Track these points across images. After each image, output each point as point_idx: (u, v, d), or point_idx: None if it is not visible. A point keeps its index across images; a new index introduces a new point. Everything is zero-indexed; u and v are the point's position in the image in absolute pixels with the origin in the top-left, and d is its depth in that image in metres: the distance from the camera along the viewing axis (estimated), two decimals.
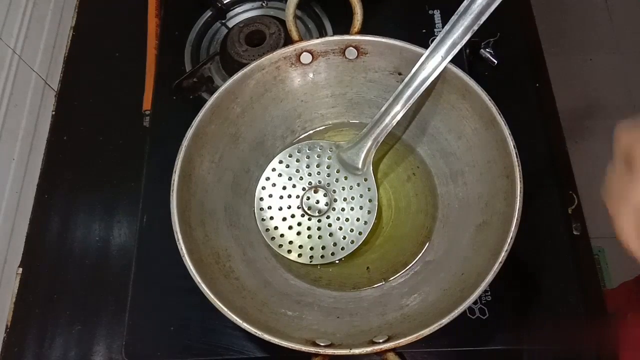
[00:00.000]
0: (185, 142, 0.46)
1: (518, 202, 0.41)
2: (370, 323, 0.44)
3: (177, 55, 0.64)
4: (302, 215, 0.51)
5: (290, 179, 0.52)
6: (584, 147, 1.23)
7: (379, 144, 0.49)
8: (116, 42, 0.71)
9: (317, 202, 0.51)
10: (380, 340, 0.38)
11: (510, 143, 0.42)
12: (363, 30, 0.49)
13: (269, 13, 0.66)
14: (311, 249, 0.50)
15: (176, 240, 0.42)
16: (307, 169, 0.52)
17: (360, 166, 0.49)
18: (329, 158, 0.52)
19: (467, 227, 0.47)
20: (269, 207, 0.51)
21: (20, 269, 0.59)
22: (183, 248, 0.42)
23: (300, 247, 0.50)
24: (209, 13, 0.67)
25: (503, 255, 0.39)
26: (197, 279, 0.41)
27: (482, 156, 0.47)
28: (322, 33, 0.64)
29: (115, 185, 0.62)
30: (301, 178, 0.52)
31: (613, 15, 1.42)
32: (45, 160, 0.65)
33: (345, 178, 0.51)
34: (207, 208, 0.48)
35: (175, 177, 0.45)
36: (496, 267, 0.39)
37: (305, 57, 0.50)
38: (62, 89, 0.69)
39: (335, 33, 0.63)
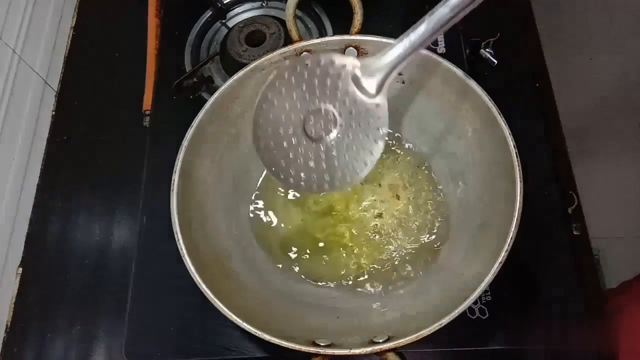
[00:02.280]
0: (185, 142, 0.46)
1: (518, 202, 0.41)
2: (370, 323, 0.44)
3: (177, 55, 0.64)
4: (305, 142, 0.44)
5: (293, 97, 0.44)
6: (584, 147, 1.23)
7: (399, 69, 0.42)
8: (116, 42, 0.71)
9: (321, 125, 0.44)
10: (380, 340, 0.39)
11: (511, 143, 0.42)
12: (363, 30, 0.49)
13: (269, 13, 0.66)
14: (313, 178, 0.44)
15: (176, 240, 0.42)
16: (313, 88, 0.44)
17: (374, 91, 0.42)
18: (339, 76, 0.43)
19: (467, 227, 0.48)
20: (268, 132, 0.45)
21: (20, 269, 0.59)
22: (183, 248, 0.42)
23: (302, 176, 0.44)
24: (209, 13, 0.67)
25: (503, 255, 0.39)
26: (197, 279, 0.41)
27: (482, 156, 0.47)
28: (322, 33, 0.64)
29: (115, 185, 0.62)
30: (305, 98, 0.44)
31: (613, 15, 1.42)
32: (45, 160, 0.65)
33: (355, 102, 0.43)
34: (207, 208, 0.48)
35: (175, 177, 0.45)
36: (496, 267, 0.39)
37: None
38: (62, 89, 0.69)
39: (335, 33, 0.63)
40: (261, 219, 0.53)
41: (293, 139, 0.45)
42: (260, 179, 0.52)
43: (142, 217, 0.55)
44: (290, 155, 0.45)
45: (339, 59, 0.43)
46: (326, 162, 0.44)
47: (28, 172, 0.62)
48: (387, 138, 0.42)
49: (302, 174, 0.44)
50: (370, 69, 0.42)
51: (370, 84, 0.43)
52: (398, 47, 0.40)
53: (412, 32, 0.39)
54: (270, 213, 0.53)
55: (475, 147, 0.48)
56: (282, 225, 0.53)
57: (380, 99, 0.43)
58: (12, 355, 0.55)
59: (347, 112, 0.44)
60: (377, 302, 0.48)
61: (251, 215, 0.53)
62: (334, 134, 0.44)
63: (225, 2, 0.67)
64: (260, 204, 0.54)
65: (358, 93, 0.43)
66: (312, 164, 0.44)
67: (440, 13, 0.38)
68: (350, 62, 0.43)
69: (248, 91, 0.50)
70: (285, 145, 0.45)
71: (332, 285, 0.50)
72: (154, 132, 0.60)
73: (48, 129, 0.66)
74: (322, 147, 0.44)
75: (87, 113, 0.67)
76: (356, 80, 0.43)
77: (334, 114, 0.44)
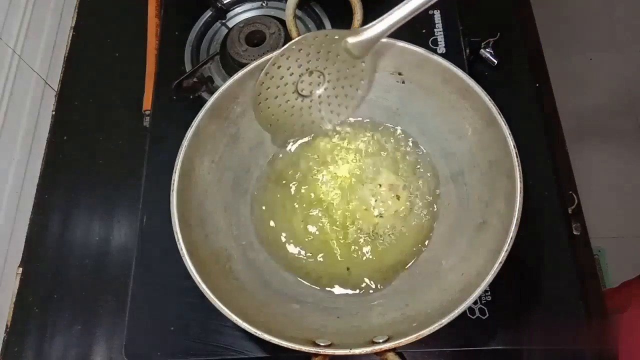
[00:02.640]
0: (185, 142, 0.46)
1: (518, 202, 0.41)
2: (370, 323, 0.44)
3: (177, 55, 0.64)
4: (296, 98, 0.50)
5: (289, 68, 0.48)
6: (584, 147, 1.23)
7: (385, 34, 0.46)
8: (116, 42, 0.71)
9: (311, 83, 0.50)
10: (380, 340, 0.39)
11: (511, 143, 0.42)
12: None
13: (269, 13, 0.66)
14: (301, 125, 0.52)
15: (176, 240, 0.42)
16: (307, 57, 0.48)
17: (361, 53, 0.48)
18: (331, 43, 0.48)
19: (467, 227, 0.48)
20: (266, 99, 0.49)
21: (20, 269, 0.59)
22: (183, 248, 0.42)
23: (293, 126, 0.52)
24: (209, 13, 0.67)
25: (503, 255, 0.39)
26: (197, 279, 0.41)
27: (482, 156, 0.47)
28: None
29: (115, 185, 0.62)
30: (300, 66, 0.49)
31: (613, 15, 1.42)
32: (45, 160, 0.65)
33: (344, 61, 0.49)
34: (207, 208, 0.48)
35: (175, 177, 0.45)
36: (496, 267, 0.39)
37: None
38: (62, 89, 0.69)
39: None
40: (261, 218, 0.53)
41: (287, 101, 0.50)
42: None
43: (142, 217, 0.55)
44: (284, 112, 0.51)
45: (332, 32, 0.48)
46: (314, 111, 0.52)
47: (28, 172, 0.62)
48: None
49: (293, 125, 0.52)
50: (361, 35, 0.46)
51: (359, 47, 0.47)
52: (390, 17, 0.44)
53: (404, 4, 0.43)
54: (269, 213, 0.53)
55: (475, 147, 0.48)
56: (281, 225, 0.53)
57: (367, 59, 0.48)
58: (12, 355, 0.55)
59: (335, 70, 0.49)
60: (377, 302, 0.48)
61: (251, 215, 0.53)
62: (321, 89, 0.50)
63: (225, 2, 0.67)
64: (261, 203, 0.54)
65: (347, 54, 0.48)
66: (302, 115, 0.52)
67: None
68: (341, 32, 0.47)
69: (248, 91, 0.50)
70: (280, 106, 0.50)
71: (331, 285, 0.50)
72: (154, 132, 0.60)
73: (48, 129, 0.66)
74: (310, 100, 0.51)
75: (87, 113, 0.67)
76: (346, 45, 0.48)
77: (322, 73, 0.49)
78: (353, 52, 0.48)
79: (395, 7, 0.44)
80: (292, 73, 0.49)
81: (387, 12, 0.44)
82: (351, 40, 0.47)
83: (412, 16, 0.44)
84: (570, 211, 0.55)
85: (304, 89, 0.50)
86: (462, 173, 0.50)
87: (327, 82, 0.50)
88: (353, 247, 0.51)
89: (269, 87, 0.49)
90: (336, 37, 0.47)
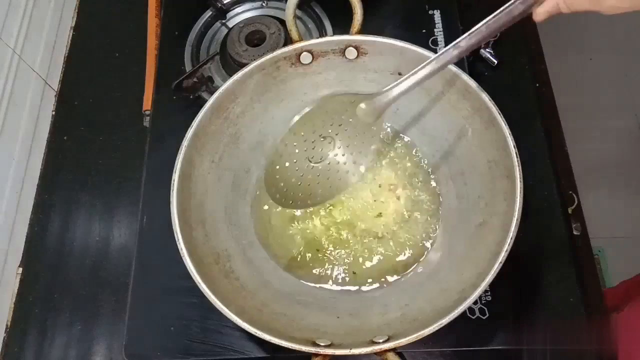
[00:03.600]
0: (185, 142, 0.46)
1: (518, 202, 0.41)
2: (370, 323, 0.44)
3: (177, 55, 0.64)
4: (307, 166, 0.50)
5: (303, 134, 0.50)
6: (584, 147, 1.23)
7: (395, 100, 0.46)
8: (116, 42, 0.71)
9: (322, 149, 0.50)
10: (380, 340, 0.39)
11: (510, 143, 0.42)
12: (363, 30, 0.49)
13: (269, 13, 0.66)
14: (309, 195, 0.50)
15: (176, 240, 0.42)
16: (321, 123, 0.50)
17: (373, 119, 0.47)
18: (346, 110, 0.49)
19: (467, 227, 0.48)
20: (277, 167, 0.50)
21: (20, 269, 0.59)
22: (183, 248, 0.42)
23: (301, 195, 0.50)
24: (209, 13, 0.67)
25: (503, 255, 0.39)
26: (197, 279, 0.41)
27: (482, 156, 0.47)
28: (322, 33, 0.64)
29: (115, 185, 0.62)
30: (314, 132, 0.50)
31: (613, 15, 1.42)
32: (45, 160, 0.65)
33: (355, 127, 0.49)
34: (207, 208, 0.48)
35: (175, 177, 0.45)
36: (496, 267, 0.39)
37: (305, 57, 0.50)
38: (62, 89, 0.69)
39: (335, 33, 0.63)
40: (262, 218, 0.53)
41: (299, 172, 0.50)
42: (260, 179, 0.52)
43: (142, 217, 0.55)
44: (294, 183, 0.50)
45: (347, 97, 0.48)
46: (321, 180, 0.50)
47: (28, 172, 0.62)
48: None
49: (300, 194, 0.50)
50: (374, 102, 0.46)
51: (371, 114, 0.47)
52: (404, 84, 0.44)
53: (420, 69, 0.42)
54: (269, 213, 0.53)
55: (475, 147, 0.48)
56: (281, 225, 0.53)
57: (378, 124, 0.48)
58: (12, 355, 0.55)
59: (345, 136, 0.49)
60: (377, 302, 0.48)
61: (252, 214, 0.53)
62: (331, 155, 0.50)
63: (225, 2, 0.67)
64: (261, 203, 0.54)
65: (358, 120, 0.48)
66: (309, 184, 0.50)
67: (449, 54, 0.41)
68: (356, 97, 0.47)
69: (248, 91, 0.50)
70: (292, 174, 0.50)
71: (331, 285, 0.50)
72: (154, 132, 0.60)
73: (48, 129, 0.66)
74: (320, 167, 0.50)
75: (87, 113, 0.67)
76: (360, 111, 0.47)
77: (333, 139, 0.50)
78: (364, 119, 0.48)
79: (408, 74, 0.43)
80: (306, 139, 0.50)
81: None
82: (363, 106, 0.47)
83: (422, 83, 0.43)
84: (570, 211, 0.55)
85: (314, 155, 0.50)
86: (462, 173, 0.50)
87: (338, 148, 0.50)
88: (353, 247, 0.51)
89: (282, 155, 0.50)
90: (352, 100, 0.47)
